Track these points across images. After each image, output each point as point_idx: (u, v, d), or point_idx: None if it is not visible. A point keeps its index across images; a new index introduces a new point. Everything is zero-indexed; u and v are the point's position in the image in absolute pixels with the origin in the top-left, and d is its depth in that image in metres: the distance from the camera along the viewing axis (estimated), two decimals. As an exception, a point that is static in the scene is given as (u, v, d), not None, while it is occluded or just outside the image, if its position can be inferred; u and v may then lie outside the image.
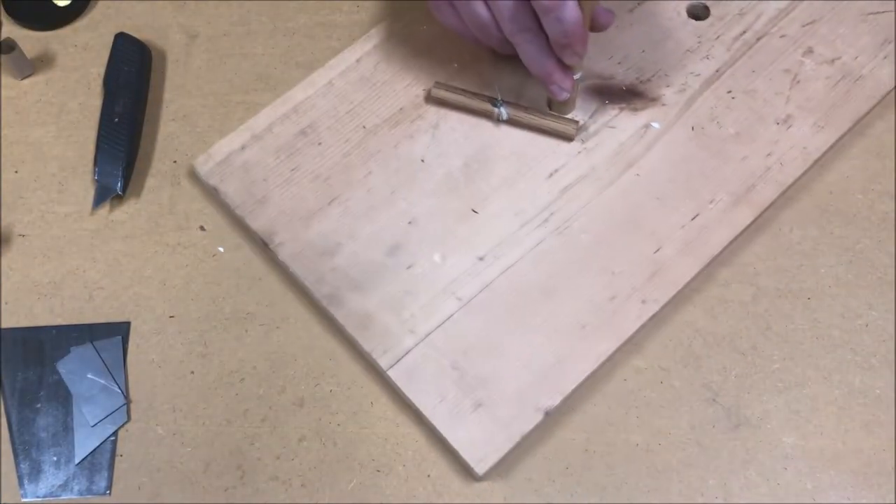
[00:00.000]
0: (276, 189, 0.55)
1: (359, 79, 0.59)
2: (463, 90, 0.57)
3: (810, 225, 0.55)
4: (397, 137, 0.57)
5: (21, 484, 0.49)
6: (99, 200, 0.56)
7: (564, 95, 0.53)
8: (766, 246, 0.54)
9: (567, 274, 0.52)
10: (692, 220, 0.53)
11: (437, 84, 0.57)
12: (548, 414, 0.48)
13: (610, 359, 0.50)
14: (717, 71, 0.58)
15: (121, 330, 0.53)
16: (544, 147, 0.56)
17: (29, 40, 0.62)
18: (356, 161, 0.56)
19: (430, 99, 0.57)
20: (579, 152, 0.55)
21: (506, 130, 0.56)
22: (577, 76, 0.53)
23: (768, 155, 0.55)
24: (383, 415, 0.50)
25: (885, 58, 0.58)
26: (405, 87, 0.58)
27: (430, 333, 0.50)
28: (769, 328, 0.52)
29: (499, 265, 0.52)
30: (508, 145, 0.56)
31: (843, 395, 0.50)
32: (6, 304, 0.54)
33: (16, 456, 0.50)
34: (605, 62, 0.59)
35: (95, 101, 0.60)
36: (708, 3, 0.60)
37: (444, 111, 0.57)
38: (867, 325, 0.52)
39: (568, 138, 0.56)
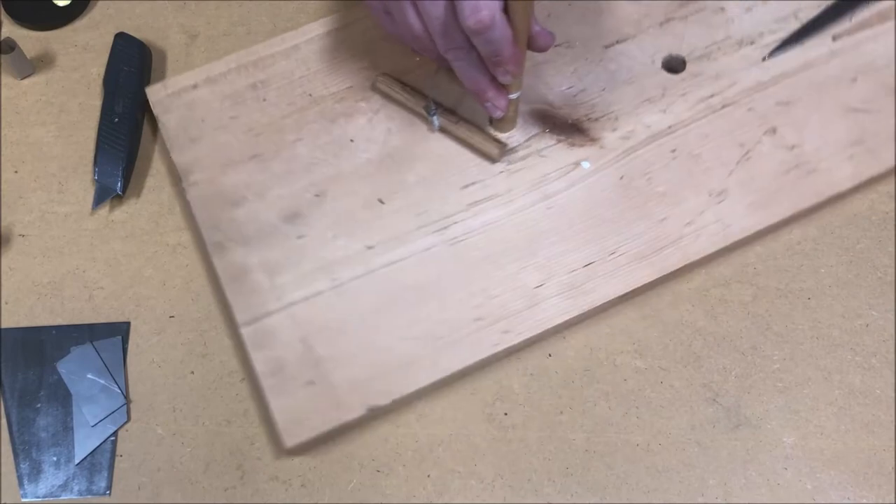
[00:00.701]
0: (210, 132, 0.56)
1: (322, 49, 0.59)
2: (405, 87, 0.57)
3: (810, 225, 0.55)
4: (337, 113, 0.57)
5: (21, 484, 0.49)
6: (99, 200, 0.56)
7: (498, 114, 0.52)
8: (766, 246, 0.54)
9: (444, 284, 0.51)
10: (585, 266, 0.52)
11: (383, 76, 0.57)
12: (371, 410, 0.48)
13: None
14: (669, 127, 0.56)
15: (121, 330, 0.53)
16: (469, 158, 0.55)
17: (29, 40, 0.62)
18: (291, 125, 0.57)
19: (374, 89, 0.58)
20: (501, 172, 0.55)
21: (439, 134, 0.56)
22: (513, 95, 0.52)
23: (688, 223, 0.53)
24: (383, 415, 0.50)
25: (849, 157, 0.55)
26: (361, 67, 0.58)
27: (293, 304, 0.51)
28: (769, 328, 0.52)
29: (384, 258, 0.52)
30: (437, 148, 0.56)
31: (843, 395, 0.50)
32: (6, 304, 0.54)
33: (16, 456, 0.50)
34: (562, 91, 0.57)
35: (95, 101, 0.60)
36: (689, 59, 0.58)
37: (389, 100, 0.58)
38: (867, 325, 0.52)
39: (491, 160, 0.55)
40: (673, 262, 0.52)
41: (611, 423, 0.50)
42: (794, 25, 0.59)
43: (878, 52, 0.58)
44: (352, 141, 0.56)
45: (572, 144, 0.56)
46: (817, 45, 0.59)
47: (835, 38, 0.59)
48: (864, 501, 0.48)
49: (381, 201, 0.54)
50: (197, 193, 0.54)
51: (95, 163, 0.56)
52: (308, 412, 0.48)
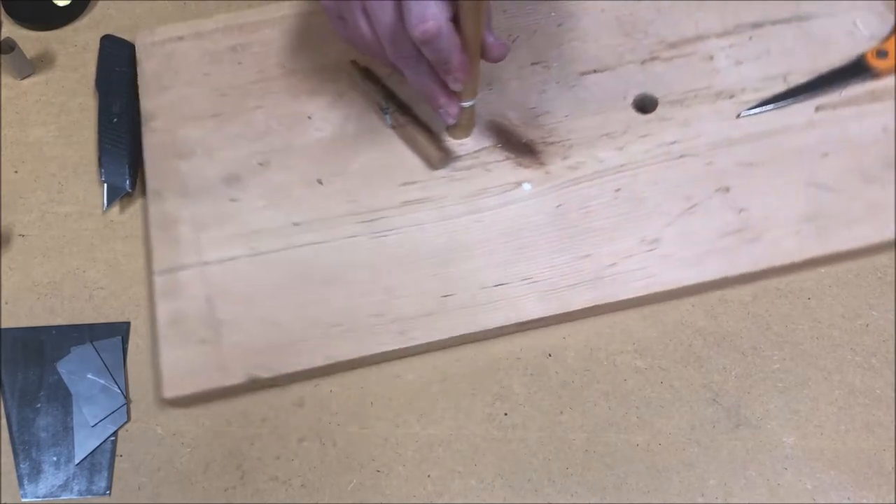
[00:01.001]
0: (181, 85, 0.58)
1: (307, 25, 0.60)
2: (369, 79, 0.57)
3: (810, 225, 0.55)
4: (302, 89, 0.58)
5: (21, 484, 0.49)
6: (111, 200, 0.56)
7: (450, 120, 0.52)
8: (766, 246, 0.54)
9: (356, 274, 0.52)
10: (495, 285, 0.51)
11: (352, 64, 0.58)
12: (251, 381, 0.49)
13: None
14: (621, 165, 0.55)
15: (121, 330, 0.53)
16: (414, 158, 0.55)
17: (29, 40, 0.62)
18: (257, 92, 0.58)
19: (345, 73, 0.58)
20: (442, 177, 0.55)
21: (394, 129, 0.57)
22: (466, 103, 0.51)
23: (610, 265, 0.51)
24: (383, 415, 0.50)
25: (796, 233, 0.52)
26: (340, 49, 0.58)
27: (208, 263, 0.52)
28: (769, 328, 0.52)
29: (305, 237, 0.53)
30: (388, 142, 0.56)
31: (843, 395, 0.50)
32: (6, 304, 0.54)
33: (16, 456, 0.50)
34: (526, 109, 0.57)
35: (95, 101, 0.60)
36: (662, 101, 0.57)
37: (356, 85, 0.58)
38: (867, 326, 0.52)
39: (431, 166, 0.55)
40: (582, 300, 0.51)
41: (611, 423, 0.50)
42: (780, 87, 0.57)
43: (859, 131, 0.56)
44: (309, 118, 0.57)
45: (519, 164, 0.55)
46: (798, 113, 0.56)
47: (818, 109, 0.56)
48: (864, 501, 0.48)
49: (319, 182, 0.54)
50: (153, 140, 0.56)
51: (100, 164, 0.56)
52: (193, 369, 0.49)
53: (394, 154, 0.56)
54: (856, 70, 0.57)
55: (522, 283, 0.51)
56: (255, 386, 0.50)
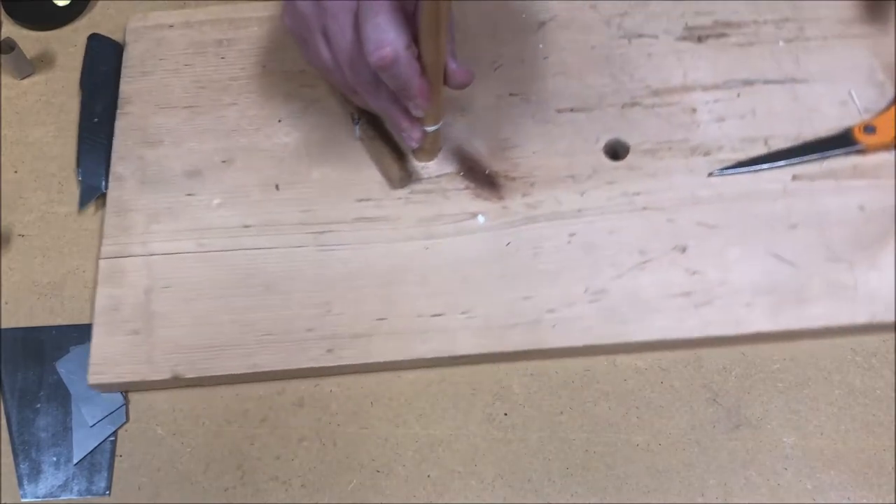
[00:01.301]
0: (162, 72, 0.59)
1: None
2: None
3: (810, 225, 0.55)
4: (279, 91, 0.58)
5: (21, 484, 0.49)
6: (85, 200, 0.55)
7: (413, 144, 0.51)
8: (766, 246, 0.54)
9: (297, 285, 0.51)
10: (433, 316, 0.50)
11: None
12: (175, 378, 0.49)
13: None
14: (578, 210, 0.53)
15: (121, 330, 0.53)
16: (375, 175, 0.55)
17: (29, 40, 0.62)
18: (233, 89, 0.58)
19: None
20: (400, 198, 0.54)
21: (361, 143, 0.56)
22: (430, 128, 0.51)
23: (549, 310, 0.50)
24: (383, 415, 0.50)
25: (747, 304, 0.50)
26: None
27: (154, 255, 0.53)
28: (769, 328, 0.52)
29: (255, 241, 0.53)
30: (352, 155, 0.55)
31: (843, 395, 0.50)
32: (6, 304, 0.54)
33: (16, 456, 0.49)
34: (496, 140, 0.55)
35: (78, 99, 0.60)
36: (634, 149, 0.55)
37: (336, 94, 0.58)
38: (867, 325, 0.52)
39: (391, 185, 0.54)
40: (516, 342, 0.50)
41: (611, 423, 0.50)
42: (759, 150, 0.54)
43: (834, 206, 0.53)
44: (279, 121, 0.57)
45: (478, 195, 0.54)
46: (773, 179, 0.53)
47: (794, 178, 0.53)
48: (864, 501, 0.48)
49: (277, 187, 0.54)
50: (124, 124, 0.57)
51: (78, 163, 0.56)
52: (121, 358, 0.50)
53: (355, 169, 0.55)
54: (841, 142, 0.54)
55: (461, 317, 0.50)
56: (180, 383, 0.50)
